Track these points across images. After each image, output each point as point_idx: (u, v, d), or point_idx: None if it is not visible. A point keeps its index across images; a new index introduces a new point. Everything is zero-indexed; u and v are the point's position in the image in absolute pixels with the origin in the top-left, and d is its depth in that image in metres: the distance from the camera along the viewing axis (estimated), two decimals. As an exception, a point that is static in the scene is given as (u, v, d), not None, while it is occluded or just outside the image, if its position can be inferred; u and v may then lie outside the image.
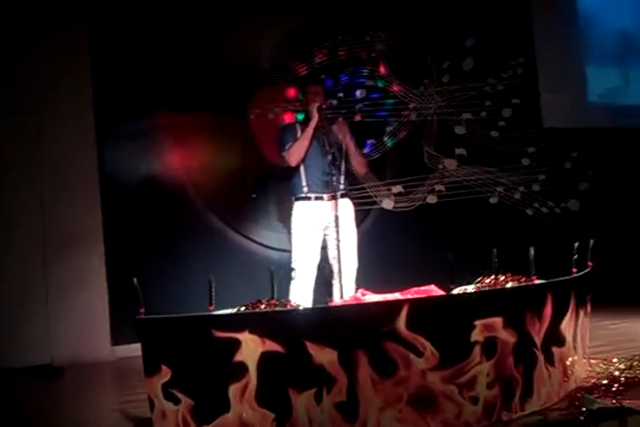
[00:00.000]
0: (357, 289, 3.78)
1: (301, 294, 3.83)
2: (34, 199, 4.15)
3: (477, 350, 2.42)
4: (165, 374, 2.33)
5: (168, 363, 2.33)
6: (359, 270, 4.09)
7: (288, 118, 4.78)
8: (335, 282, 3.89)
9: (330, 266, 4.01)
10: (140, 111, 4.49)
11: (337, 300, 3.66)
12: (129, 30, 4.48)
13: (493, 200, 5.45)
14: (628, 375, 2.90)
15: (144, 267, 4.33)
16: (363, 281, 4.00)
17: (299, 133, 3.94)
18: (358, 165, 4.10)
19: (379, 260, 4.78)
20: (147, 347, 2.35)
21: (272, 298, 2.39)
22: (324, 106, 3.95)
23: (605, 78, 6.02)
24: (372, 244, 4.85)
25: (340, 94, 5.03)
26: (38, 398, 3.39)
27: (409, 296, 2.64)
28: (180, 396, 2.33)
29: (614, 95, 6.01)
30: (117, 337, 4.25)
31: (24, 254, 4.15)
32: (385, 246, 5.01)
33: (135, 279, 2.37)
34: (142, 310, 2.37)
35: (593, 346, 3.39)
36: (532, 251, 2.76)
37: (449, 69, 5.40)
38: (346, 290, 3.80)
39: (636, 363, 3.09)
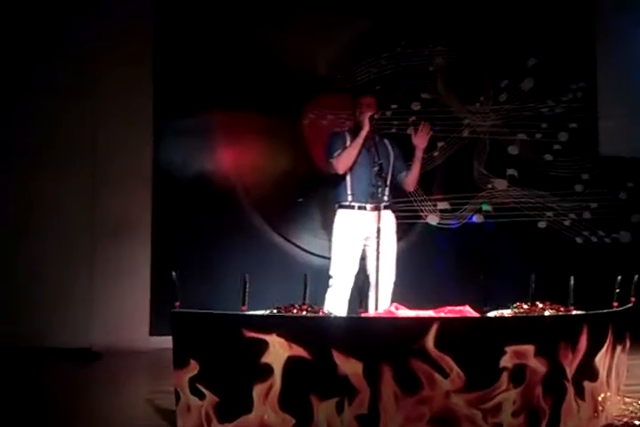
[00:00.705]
0: (392, 303, 3.79)
1: (337, 303, 3.84)
2: (86, 187, 4.31)
3: (505, 376, 2.39)
4: (193, 368, 2.38)
5: (197, 357, 2.38)
6: (397, 284, 4.07)
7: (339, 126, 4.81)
8: (371, 294, 3.88)
9: (368, 277, 4.00)
10: (197, 108, 4.60)
11: (371, 312, 3.65)
12: (191, 28, 4.59)
13: (542, 225, 5.36)
14: (661, 417, 2.80)
15: (187, 261, 4.43)
16: (400, 295, 3.97)
17: (348, 142, 3.95)
18: (413, 182, 4.10)
19: (419, 275, 4.76)
20: (178, 340, 2.41)
21: (304, 303, 2.41)
22: (376, 116, 3.94)
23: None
24: (414, 258, 4.83)
25: (394, 106, 5.04)
26: (72, 381, 3.50)
27: (441, 315, 2.61)
28: (205, 391, 2.37)
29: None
30: (155, 328, 4.35)
31: (73, 240, 4.31)
32: (426, 262, 4.97)
33: (174, 273, 2.42)
34: (178, 304, 2.43)
35: (630, 384, 3.28)
36: (572, 280, 2.69)
37: (507, 88, 5.34)
38: (381, 303, 3.79)
39: (671, 405, 2.99)
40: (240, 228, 4.66)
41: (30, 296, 4.20)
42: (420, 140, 4.03)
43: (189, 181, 4.56)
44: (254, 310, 2.54)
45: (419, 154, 4.05)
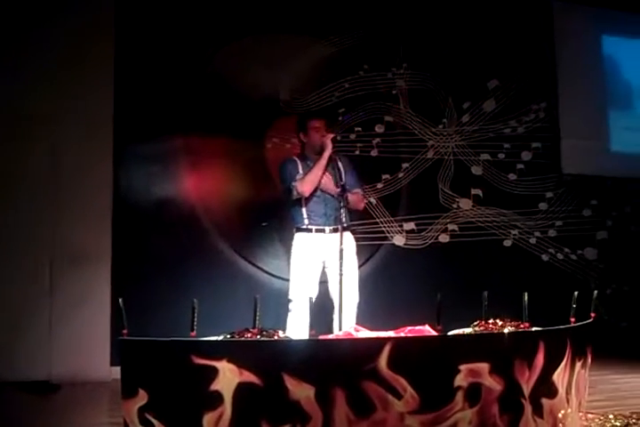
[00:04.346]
0: (355, 324, 3.74)
1: (298, 327, 3.79)
2: (45, 216, 4.22)
3: (460, 395, 2.35)
4: (142, 397, 2.31)
5: (146, 387, 2.31)
6: (361, 305, 4.04)
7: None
8: (335, 316, 3.84)
9: (331, 300, 3.96)
10: (158, 133, 4.58)
11: (334, 334, 3.61)
12: (152, 53, 4.59)
13: (507, 243, 5.39)
14: (622, 434, 2.79)
15: (149, 289, 4.37)
16: (367, 316, 3.95)
17: (299, 167, 3.94)
18: (357, 200, 4.01)
19: (386, 296, 4.74)
20: (126, 369, 2.34)
21: (254, 327, 2.37)
22: (338, 138, 3.94)
23: (628, 126, 5.95)
24: (380, 279, 4.82)
25: (358, 128, 5.07)
26: (27, 414, 3.40)
27: (400, 335, 2.58)
28: (154, 421, 2.30)
29: (638, 144, 5.93)
30: (117, 357, 4.24)
31: (32, 270, 4.22)
32: (392, 283, 4.97)
33: (121, 300, 2.38)
34: (125, 332, 2.37)
35: (594, 400, 3.28)
36: (525, 297, 2.69)
37: (469, 109, 5.41)
38: (345, 325, 3.75)
39: (633, 421, 2.97)
40: (204, 253, 4.61)
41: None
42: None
43: (151, 207, 4.52)
44: (217, 334, 2.50)
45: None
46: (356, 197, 3.98)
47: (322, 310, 3.86)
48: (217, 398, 2.25)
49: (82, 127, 4.28)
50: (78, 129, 4.28)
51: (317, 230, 3.89)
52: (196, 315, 2.36)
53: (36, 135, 4.23)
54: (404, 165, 5.21)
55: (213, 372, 2.25)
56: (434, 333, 2.74)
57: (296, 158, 4.01)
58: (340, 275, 3.74)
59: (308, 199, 3.90)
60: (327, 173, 3.91)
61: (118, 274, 4.32)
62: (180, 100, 4.64)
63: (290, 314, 3.85)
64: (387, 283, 4.85)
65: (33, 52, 4.29)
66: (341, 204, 3.83)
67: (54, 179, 4.27)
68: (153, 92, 4.58)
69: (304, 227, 3.91)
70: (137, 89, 4.53)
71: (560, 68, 5.74)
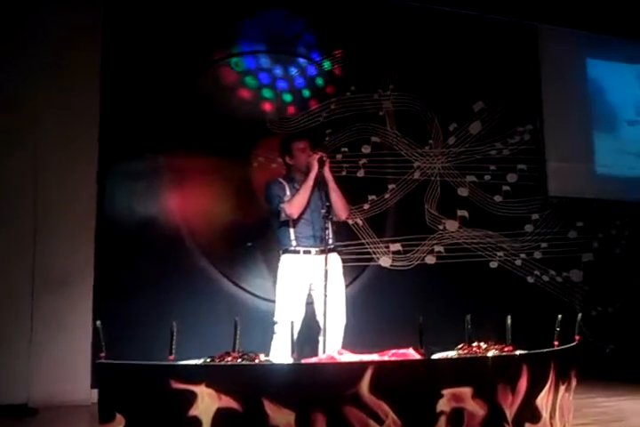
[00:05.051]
0: (342, 347, 3.70)
1: (283, 349, 3.74)
2: (27, 235, 4.15)
3: (443, 420, 2.33)
4: (119, 422, 2.27)
5: (123, 411, 2.26)
6: (347, 326, 4.00)
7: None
8: (321, 338, 3.80)
9: (317, 322, 3.92)
10: (143, 152, 4.55)
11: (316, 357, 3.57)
12: (138, 71, 4.58)
13: (493, 265, 5.40)
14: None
15: (131, 309, 4.29)
16: (352, 338, 3.91)
17: (286, 189, 3.93)
18: (342, 207, 3.95)
19: (371, 317, 4.70)
20: (103, 393, 2.30)
21: (234, 350, 2.34)
22: (324, 158, 3.92)
23: (613, 148, 6.02)
24: (366, 300, 4.79)
25: (345, 149, 5.09)
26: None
27: (384, 358, 2.56)
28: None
29: (623, 166, 5.99)
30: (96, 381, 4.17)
31: (12, 290, 4.12)
32: (378, 304, 4.93)
33: (99, 322, 2.34)
34: (103, 355, 2.33)
35: (579, 424, 3.26)
36: (508, 320, 2.68)
37: (455, 131, 5.45)
38: (331, 347, 3.71)
39: (618, 446, 2.94)
40: (186, 271, 4.56)
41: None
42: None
43: (134, 227, 4.47)
44: (198, 356, 2.46)
45: (328, 181, 3.92)
46: (340, 203, 3.91)
47: (309, 332, 3.82)
48: (195, 424, 2.22)
49: (66, 144, 4.25)
50: (62, 146, 4.24)
51: (305, 252, 3.86)
52: (174, 338, 2.32)
53: (17, 151, 4.18)
54: (391, 186, 5.22)
55: (192, 397, 2.22)
56: (417, 356, 2.72)
57: (282, 180, 3.99)
58: (325, 296, 3.71)
59: (295, 221, 3.87)
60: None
61: (100, 295, 4.26)
62: (165, 119, 4.63)
63: (275, 336, 3.81)
64: (372, 304, 4.81)
65: (18, 66, 4.27)
66: (326, 225, 3.81)
67: (35, 196, 4.20)
68: (138, 111, 4.56)
69: (291, 249, 3.88)
70: (122, 107, 4.52)
71: (545, 91, 5.81)
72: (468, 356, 2.61)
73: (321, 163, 3.87)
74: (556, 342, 2.86)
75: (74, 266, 4.20)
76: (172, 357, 2.34)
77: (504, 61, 5.67)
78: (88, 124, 4.34)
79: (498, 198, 5.49)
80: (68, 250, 4.20)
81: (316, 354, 3.78)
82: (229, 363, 2.30)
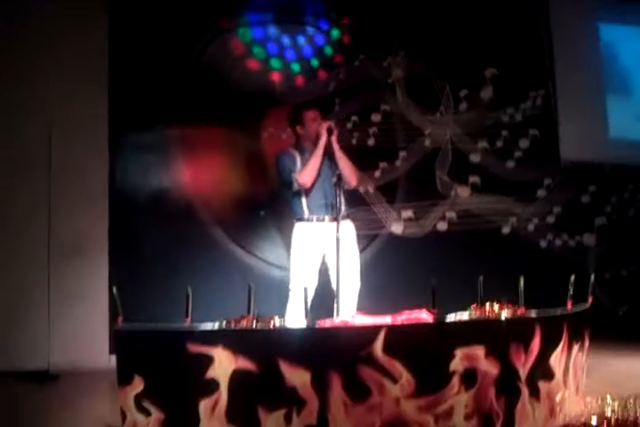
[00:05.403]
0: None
1: (298, 316, 3.79)
2: (41, 207, 4.21)
3: (456, 379, 2.36)
4: (138, 384, 2.32)
5: (141, 374, 2.32)
6: (362, 293, 4.04)
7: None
8: (335, 305, 3.84)
9: (332, 288, 3.96)
10: (153, 123, 4.56)
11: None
12: (148, 42, 4.56)
13: (506, 230, 5.38)
14: (620, 416, 2.78)
15: (146, 278, 4.37)
16: (365, 303, 3.95)
17: (297, 159, 3.93)
18: (351, 174, 3.95)
19: (384, 284, 4.73)
20: (122, 356, 2.36)
21: (249, 314, 2.37)
22: (333, 127, 3.92)
23: (627, 112, 5.93)
24: (379, 267, 4.81)
25: (355, 117, 5.06)
26: (26, 403, 3.40)
27: (389, 321, 2.58)
28: (150, 408, 2.31)
29: (636, 130, 5.91)
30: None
31: (29, 260, 4.21)
32: (390, 270, 4.95)
33: (115, 288, 2.38)
34: (120, 319, 2.38)
35: (592, 383, 3.27)
36: (521, 281, 2.69)
37: (467, 97, 5.39)
38: (345, 311, 3.75)
39: (631, 403, 2.97)
40: (201, 243, 4.60)
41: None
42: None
43: (147, 198, 4.51)
44: (214, 322, 2.49)
45: (335, 150, 3.92)
46: (348, 169, 3.90)
47: (324, 298, 3.86)
48: (213, 385, 2.27)
49: (77, 116, 4.26)
50: (73, 118, 4.26)
51: (318, 220, 3.89)
52: (190, 302, 2.36)
53: (30, 124, 4.21)
54: (402, 154, 5.20)
55: (208, 359, 2.26)
56: (430, 317, 2.74)
57: (293, 150, 4.00)
58: (337, 262, 3.75)
59: (307, 190, 3.90)
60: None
61: (115, 263, 4.33)
62: (174, 90, 4.61)
63: (289, 303, 3.86)
64: (385, 271, 4.84)
65: (27, 37, 4.27)
66: (338, 192, 3.82)
67: (48, 170, 4.25)
68: (147, 83, 4.55)
69: (304, 217, 3.91)
70: (131, 78, 4.51)
71: (557, 55, 5.70)
72: (481, 318, 2.62)
73: (329, 132, 3.88)
74: (569, 303, 2.87)
75: (88, 235, 4.27)
76: (188, 320, 2.38)
77: (515, 26, 5.55)
78: (98, 96, 4.35)
79: (510, 164, 5.45)
80: (82, 220, 4.27)
81: (330, 319, 3.83)
82: (243, 327, 2.34)
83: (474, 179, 5.30)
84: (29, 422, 2.97)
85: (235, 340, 2.29)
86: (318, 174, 3.90)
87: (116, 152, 4.43)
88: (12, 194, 4.19)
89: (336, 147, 3.91)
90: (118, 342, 2.36)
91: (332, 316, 3.80)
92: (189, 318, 2.39)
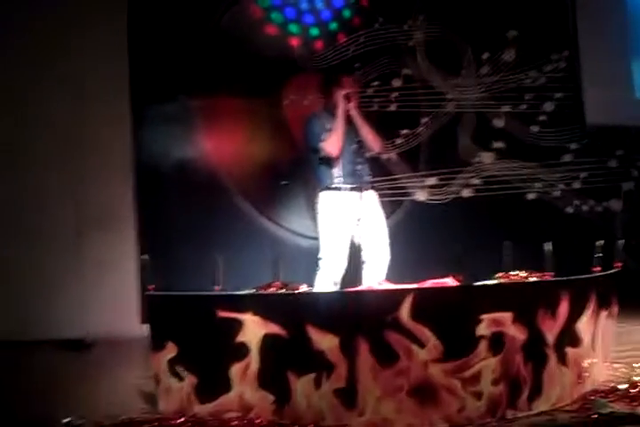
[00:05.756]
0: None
1: (327, 285, 3.82)
2: (68, 179, 4.28)
3: (483, 344, 2.36)
4: (171, 350, 2.38)
5: (174, 339, 2.37)
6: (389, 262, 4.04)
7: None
8: (364, 273, 3.87)
9: (361, 257, 3.97)
10: (175, 95, 4.57)
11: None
12: (167, 12, 4.56)
13: (531, 196, 5.33)
14: (649, 381, 2.78)
15: (174, 248, 4.43)
16: (392, 272, 3.96)
17: (325, 123, 3.90)
18: (373, 141, 3.88)
19: (409, 252, 4.72)
20: (154, 323, 2.41)
21: (277, 280, 2.40)
22: (349, 94, 3.87)
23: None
24: (404, 236, 4.80)
25: (375, 82, 4.99)
26: (63, 370, 3.50)
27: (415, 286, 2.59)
28: (183, 373, 2.36)
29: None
30: (146, 316, 4.34)
31: (59, 233, 4.32)
32: (415, 238, 4.95)
33: (145, 257, 2.41)
34: (152, 287, 2.42)
35: (622, 350, 3.27)
36: (547, 247, 2.68)
37: (489, 60, 5.28)
38: (374, 281, 3.76)
39: (659, 368, 2.97)
40: (227, 213, 4.65)
41: (20, 290, 4.21)
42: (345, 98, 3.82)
43: (172, 169, 4.54)
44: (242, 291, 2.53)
45: (354, 117, 3.85)
46: (371, 137, 3.86)
47: (352, 267, 3.87)
48: (243, 350, 2.31)
49: (100, 92, 4.29)
50: (96, 93, 4.28)
51: (344, 189, 3.88)
52: (220, 270, 2.39)
53: (56, 100, 4.24)
54: (424, 120, 5.14)
55: (238, 324, 2.30)
56: (456, 284, 2.75)
57: (323, 115, 3.97)
58: (364, 231, 3.75)
59: (333, 159, 3.87)
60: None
61: (143, 235, 4.39)
62: (194, 60, 4.61)
63: (319, 272, 3.88)
64: (410, 239, 4.82)
65: (46, 16, 4.28)
66: (358, 160, 3.81)
67: (76, 144, 4.30)
68: (167, 54, 4.55)
69: (331, 186, 3.90)
70: (151, 50, 4.51)
71: (580, 16, 5.55)
72: (507, 281, 2.62)
73: (347, 99, 3.83)
74: (596, 268, 2.86)
75: (116, 206, 4.35)
76: (217, 287, 2.41)
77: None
78: (119, 68, 4.36)
79: (534, 128, 5.36)
80: (109, 192, 4.34)
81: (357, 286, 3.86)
82: (271, 292, 2.37)
83: (498, 144, 5.24)
84: (68, 389, 3.06)
85: (263, 305, 2.32)
86: (342, 142, 3.87)
87: (139, 125, 4.45)
88: (38, 168, 4.24)
89: (355, 114, 3.87)
90: (150, 308, 2.40)
91: (360, 285, 3.84)
92: (218, 287, 2.42)
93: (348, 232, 3.89)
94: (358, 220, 3.85)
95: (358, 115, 3.87)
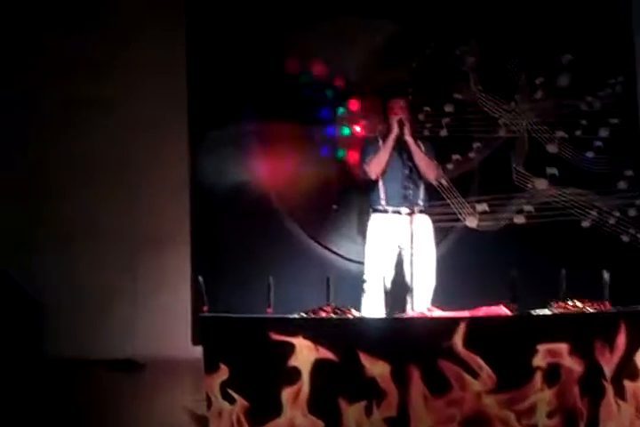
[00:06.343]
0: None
1: (372, 308, 3.81)
2: (125, 202, 4.41)
3: (539, 375, 2.33)
4: (224, 372, 2.40)
5: (227, 362, 2.40)
6: (437, 288, 4.01)
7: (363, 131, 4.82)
8: (409, 298, 3.84)
9: (406, 282, 3.96)
10: (231, 118, 4.68)
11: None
12: (225, 37, 4.68)
13: (586, 224, 5.21)
14: None
15: (226, 271, 4.48)
16: (440, 298, 3.93)
17: (380, 147, 3.95)
18: (427, 168, 3.95)
19: (459, 278, 4.67)
20: (207, 345, 2.44)
21: (328, 305, 2.41)
22: (404, 119, 3.90)
23: None
24: (453, 261, 4.76)
25: (427, 108, 5.00)
26: (112, 391, 3.57)
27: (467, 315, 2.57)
28: (235, 396, 2.39)
29: None
30: (198, 337, 4.39)
31: (116, 254, 4.44)
32: (466, 265, 4.88)
33: (200, 278, 2.46)
34: (206, 308, 2.46)
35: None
36: (606, 275, 2.61)
37: (542, 85, 5.23)
38: (419, 307, 3.74)
39: None
40: (278, 237, 4.70)
41: (73, 309, 4.32)
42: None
43: (226, 191, 4.63)
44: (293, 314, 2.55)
45: (409, 144, 3.90)
46: (424, 163, 3.90)
47: (398, 292, 3.86)
48: (295, 374, 2.32)
49: (157, 113, 4.45)
50: (154, 115, 4.44)
51: (394, 212, 3.89)
52: (272, 292, 2.42)
53: (113, 122, 4.40)
54: (475, 145, 5.11)
55: (290, 348, 2.32)
56: (509, 313, 2.70)
57: (378, 137, 4.03)
58: (411, 256, 3.74)
59: (384, 181, 3.91)
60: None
61: (197, 257, 4.47)
62: (250, 86, 4.71)
63: (364, 295, 3.88)
64: (460, 265, 4.77)
65: (107, 37, 4.48)
66: (409, 185, 3.82)
67: (132, 167, 4.44)
68: (225, 79, 4.67)
69: (380, 208, 3.93)
70: (210, 74, 4.64)
71: (637, 40, 5.44)
72: (564, 312, 2.57)
73: (400, 125, 3.87)
74: (655, 299, 2.77)
75: (171, 229, 4.45)
76: (270, 309, 2.44)
77: (592, 9, 5.33)
78: (177, 92, 4.51)
79: (589, 154, 5.26)
80: (165, 215, 4.45)
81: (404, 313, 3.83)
82: (323, 316, 2.38)
83: (551, 170, 5.16)
84: (121, 409, 3.11)
85: (314, 329, 2.34)
86: (392, 166, 3.90)
87: (195, 147, 4.57)
88: (96, 191, 4.39)
89: (410, 140, 3.90)
90: (204, 330, 2.44)
91: (405, 310, 3.81)
92: (271, 309, 2.45)
93: (392, 255, 3.89)
94: (403, 243, 3.86)
95: (412, 141, 3.90)
